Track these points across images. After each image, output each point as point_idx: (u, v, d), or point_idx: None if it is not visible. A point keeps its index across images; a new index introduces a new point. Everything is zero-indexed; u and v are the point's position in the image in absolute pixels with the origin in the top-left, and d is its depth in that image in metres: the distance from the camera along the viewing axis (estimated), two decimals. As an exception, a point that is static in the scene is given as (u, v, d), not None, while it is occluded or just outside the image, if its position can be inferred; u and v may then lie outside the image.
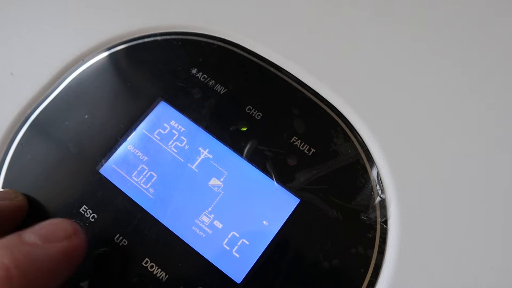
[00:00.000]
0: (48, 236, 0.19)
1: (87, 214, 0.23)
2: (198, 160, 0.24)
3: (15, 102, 0.25)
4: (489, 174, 0.24)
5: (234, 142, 0.24)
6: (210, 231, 0.23)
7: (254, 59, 0.26)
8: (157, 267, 0.22)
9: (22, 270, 0.17)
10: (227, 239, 0.23)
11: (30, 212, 0.23)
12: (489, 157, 0.24)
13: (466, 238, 0.22)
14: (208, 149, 0.24)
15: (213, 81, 0.26)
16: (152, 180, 0.24)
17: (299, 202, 0.23)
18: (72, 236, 0.20)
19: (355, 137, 0.25)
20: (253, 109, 0.25)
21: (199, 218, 0.23)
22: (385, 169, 0.24)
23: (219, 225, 0.23)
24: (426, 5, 0.28)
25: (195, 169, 0.24)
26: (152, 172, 0.24)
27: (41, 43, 0.27)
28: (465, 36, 0.27)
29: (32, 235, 0.19)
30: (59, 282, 0.19)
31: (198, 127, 0.25)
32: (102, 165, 0.24)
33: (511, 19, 0.27)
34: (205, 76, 0.26)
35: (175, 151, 0.24)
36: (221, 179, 0.24)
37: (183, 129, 0.25)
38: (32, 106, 0.25)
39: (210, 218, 0.23)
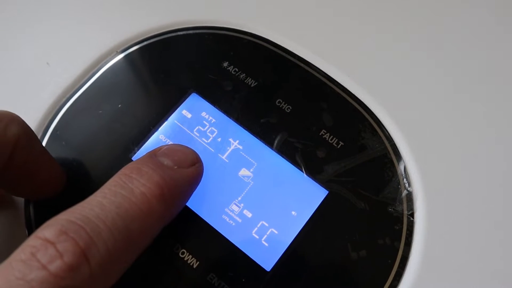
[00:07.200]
0: (180, 162, 0.21)
1: (120, 200, 0.23)
2: (229, 151, 0.25)
3: (51, 90, 0.26)
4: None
5: (264, 134, 0.25)
6: (239, 220, 0.23)
7: (283, 54, 0.27)
8: (188, 254, 0.23)
9: (170, 190, 0.19)
10: (256, 228, 0.23)
11: (66, 197, 0.24)
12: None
13: (493, 230, 0.23)
14: (239, 140, 0.25)
15: (243, 74, 0.26)
16: (183, 169, 0.24)
17: (328, 193, 0.24)
18: (196, 164, 0.21)
19: (382, 131, 0.25)
20: (283, 102, 0.26)
21: (229, 207, 0.24)
22: (411, 162, 0.24)
23: (249, 214, 0.23)
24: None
25: (226, 160, 0.25)
26: (183, 161, 0.24)
27: (77, 34, 0.28)
28: (494, 32, 0.27)
29: (167, 159, 0.20)
30: (183, 204, 0.22)
31: (228, 118, 0.25)
32: (134, 153, 0.25)
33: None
34: (236, 69, 0.26)
35: (206, 141, 0.25)
36: (251, 170, 0.24)
37: (214, 120, 0.25)
38: (67, 94, 0.26)
39: (239, 207, 0.24)
